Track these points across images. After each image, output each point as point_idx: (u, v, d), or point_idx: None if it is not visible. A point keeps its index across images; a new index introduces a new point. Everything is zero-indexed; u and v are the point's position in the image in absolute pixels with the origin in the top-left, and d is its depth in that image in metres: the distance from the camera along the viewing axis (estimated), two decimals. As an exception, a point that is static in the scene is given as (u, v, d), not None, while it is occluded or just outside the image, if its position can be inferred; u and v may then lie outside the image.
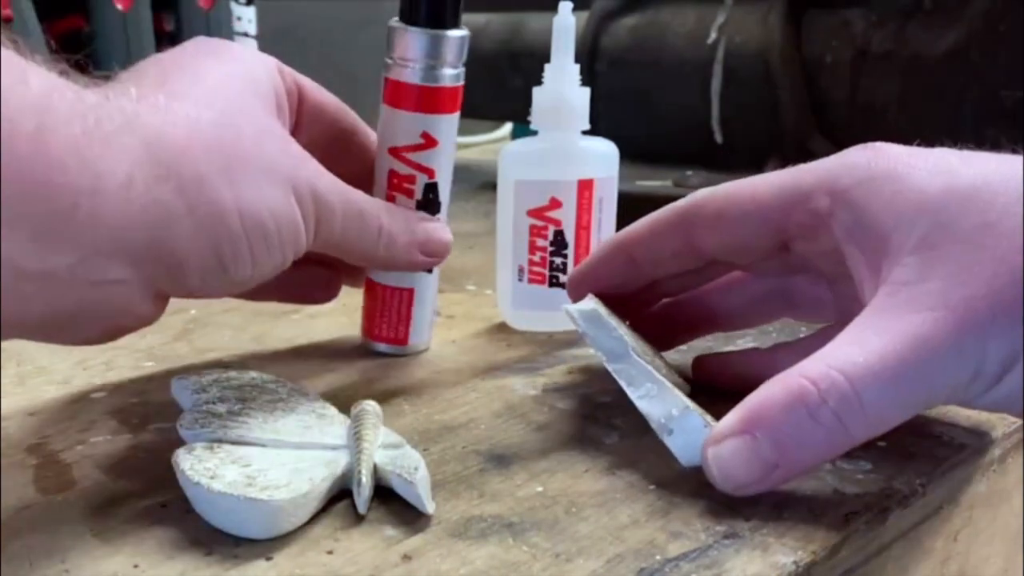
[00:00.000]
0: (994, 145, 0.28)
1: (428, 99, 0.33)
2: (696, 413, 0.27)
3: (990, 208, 0.25)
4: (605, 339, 0.30)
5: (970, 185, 0.26)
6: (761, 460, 0.25)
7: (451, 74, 0.34)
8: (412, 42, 0.33)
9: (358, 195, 0.32)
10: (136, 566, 0.22)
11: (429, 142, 0.34)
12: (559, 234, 0.39)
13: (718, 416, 0.27)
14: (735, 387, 0.33)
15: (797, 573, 0.23)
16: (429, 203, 0.35)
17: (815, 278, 0.33)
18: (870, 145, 0.29)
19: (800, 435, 0.25)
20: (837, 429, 0.24)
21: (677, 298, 0.36)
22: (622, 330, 0.31)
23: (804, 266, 0.32)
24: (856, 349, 0.25)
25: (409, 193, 0.35)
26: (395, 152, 0.34)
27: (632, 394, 0.29)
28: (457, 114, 0.35)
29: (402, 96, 0.33)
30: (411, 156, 0.34)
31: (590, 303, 0.32)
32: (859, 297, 0.28)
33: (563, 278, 0.39)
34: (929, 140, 0.29)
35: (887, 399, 0.25)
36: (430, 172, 0.35)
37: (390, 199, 0.35)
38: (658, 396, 0.28)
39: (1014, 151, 0.27)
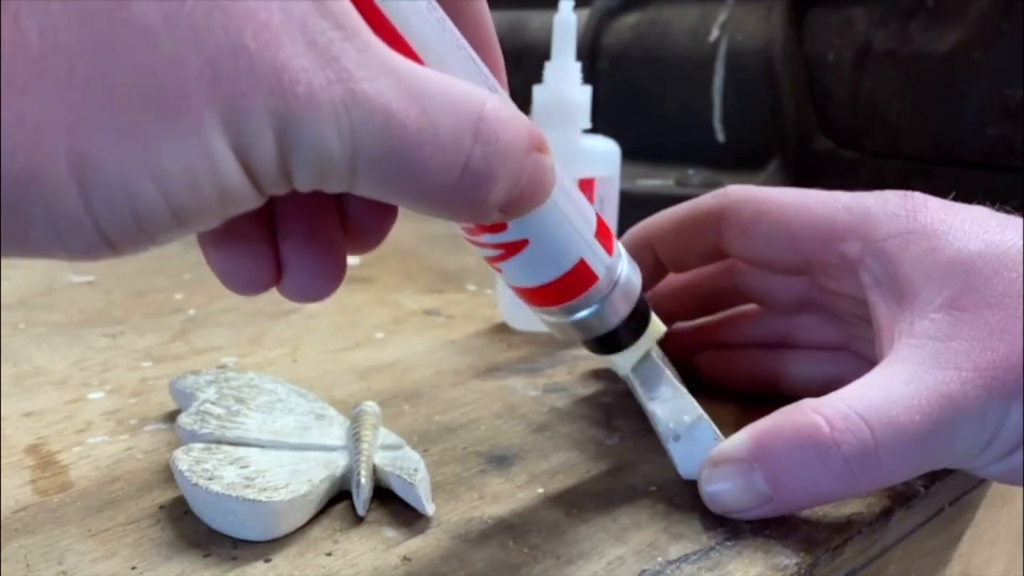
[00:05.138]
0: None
1: None
2: (708, 424, 0.27)
3: (1022, 278, 0.24)
4: None
5: (1005, 252, 0.25)
6: (754, 492, 0.24)
7: None
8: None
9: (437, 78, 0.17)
10: (134, 568, 0.22)
11: None
12: (560, 234, 0.39)
13: (720, 423, 0.27)
14: (741, 386, 0.33)
15: (799, 575, 0.23)
16: None
17: (829, 319, 0.32)
18: (909, 195, 0.28)
19: (801, 475, 0.24)
20: (844, 476, 0.23)
21: (686, 325, 0.36)
22: None
23: (821, 304, 0.32)
24: (879, 394, 0.24)
25: None
26: None
27: (644, 394, 0.29)
28: None
29: None
30: None
31: None
32: (876, 343, 0.27)
33: None
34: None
35: (906, 455, 0.23)
36: None
37: None
38: (672, 400, 0.28)
39: None
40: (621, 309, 0.25)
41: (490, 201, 0.18)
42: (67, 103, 0.14)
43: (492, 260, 0.24)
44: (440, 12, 0.19)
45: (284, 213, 0.20)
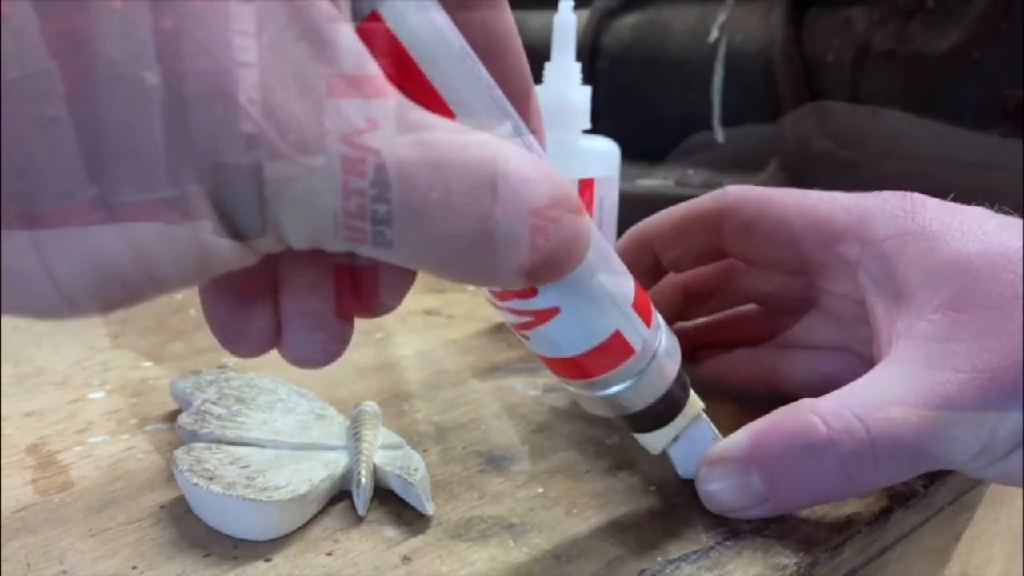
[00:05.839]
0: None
1: None
2: (707, 423, 0.27)
3: (1020, 279, 0.24)
4: None
5: (1003, 253, 0.25)
6: (751, 491, 0.24)
7: None
8: None
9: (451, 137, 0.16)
10: (134, 567, 0.22)
11: None
12: (560, 234, 0.38)
13: (720, 423, 0.27)
14: (741, 386, 0.33)
15: (799, 574, 0.23)
16: None
17: (828, 320, 0.32)
18: (908, 196, 0.28)
19: (798, 475, 0.24)
20: (841, 476, 0.23)
21: (686, 325, 0.36)
22: None
23: (821, 305, 0.32)
24: (877, 395, 0.24)
25: None
26: None
27: None
28: None
29: None
30: None
31: None
32: (874, 343, 0.27)
33: None
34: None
35: (902, 456, 0.23)
36: None
37: None
38: None
39: None
40: (658, 385, 0.24)
41: (513, 264, 0.16)
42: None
43: (519, 327, 0.22)
44: (473, 59, 0.18)
45: (286, 268, 0.19)
